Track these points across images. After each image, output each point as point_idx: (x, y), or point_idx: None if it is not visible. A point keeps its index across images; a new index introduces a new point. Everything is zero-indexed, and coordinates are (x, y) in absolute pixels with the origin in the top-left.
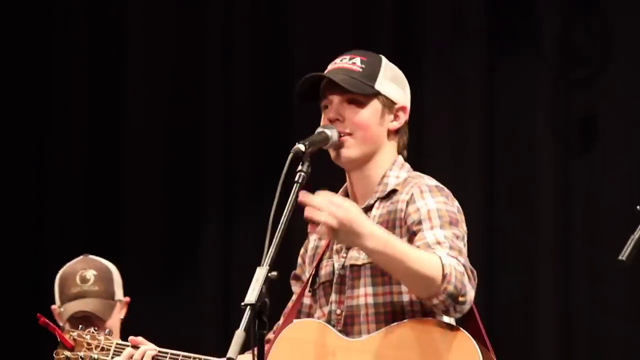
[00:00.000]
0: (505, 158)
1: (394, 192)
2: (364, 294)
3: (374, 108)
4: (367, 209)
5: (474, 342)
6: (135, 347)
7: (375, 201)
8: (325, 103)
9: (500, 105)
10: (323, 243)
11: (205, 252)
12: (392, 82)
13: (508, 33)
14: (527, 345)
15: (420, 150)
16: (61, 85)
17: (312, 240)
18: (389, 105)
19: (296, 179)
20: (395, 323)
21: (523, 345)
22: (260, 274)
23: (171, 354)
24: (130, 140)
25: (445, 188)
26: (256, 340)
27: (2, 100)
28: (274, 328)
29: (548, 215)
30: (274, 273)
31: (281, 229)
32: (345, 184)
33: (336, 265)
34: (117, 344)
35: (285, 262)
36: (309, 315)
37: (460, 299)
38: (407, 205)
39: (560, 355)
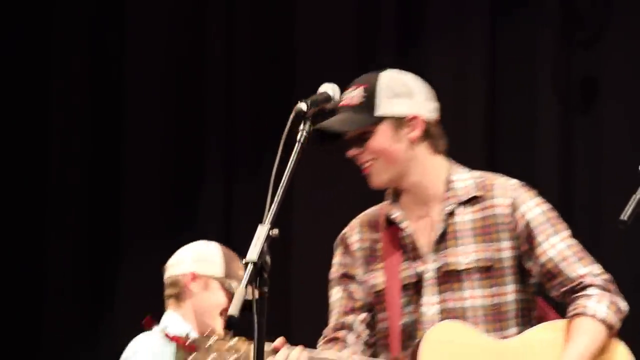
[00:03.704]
0: (507, 118)
1: (476, 198)
2: (469, 296)
3: (383, 132)
4: (449, 215)
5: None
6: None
7: (455, 207)
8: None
9: (502, 66)
10: (379, 246)
11: (206, 210)
12: (394, 98)
13: None
14: None
15: None
16: (60, 60)
17: (356, 243)
18: (398, 122)
19: (298, 138)
20: (542, 324)
21: None
22: (261, 231)
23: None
24: (132, 102)
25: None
26: (257, 298)
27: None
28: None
29: (549, 176)
30: (276, 231)
31: (283, 187)
32: (387, 201)
33: (426, 268)
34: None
35: (286, 220)
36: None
37: (623, 316)
38: (512, 211)
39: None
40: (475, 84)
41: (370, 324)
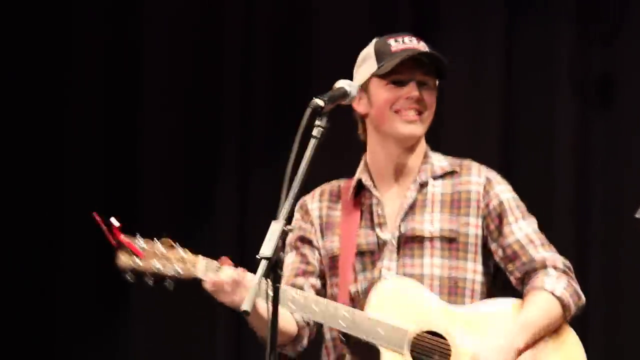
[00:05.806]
0: (524, 115)
1: (452, 172)
2: (430, 264)
3: (435, 90)
4: (421, 186)
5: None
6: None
7: (428, 179)
8: (404, 78)
9: (519, 62)
10: (337, 213)
11: (221, 205)
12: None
13: None
14: None
15: (438, 107)
16: (76, 64)
17: (315, 210)
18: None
19: (314, 133)
20: (496, 299)
21: None
22: (276, 227)
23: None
24: (148, 94)
25: None
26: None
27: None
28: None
29: (567, 172)
30: (290, 227)
31: (297, 183)
32: (364, 166)
33: (391, 234)
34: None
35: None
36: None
37: (580, 304)
38: (484, 189)
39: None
40: (492, 81)
41: (320, 291)
